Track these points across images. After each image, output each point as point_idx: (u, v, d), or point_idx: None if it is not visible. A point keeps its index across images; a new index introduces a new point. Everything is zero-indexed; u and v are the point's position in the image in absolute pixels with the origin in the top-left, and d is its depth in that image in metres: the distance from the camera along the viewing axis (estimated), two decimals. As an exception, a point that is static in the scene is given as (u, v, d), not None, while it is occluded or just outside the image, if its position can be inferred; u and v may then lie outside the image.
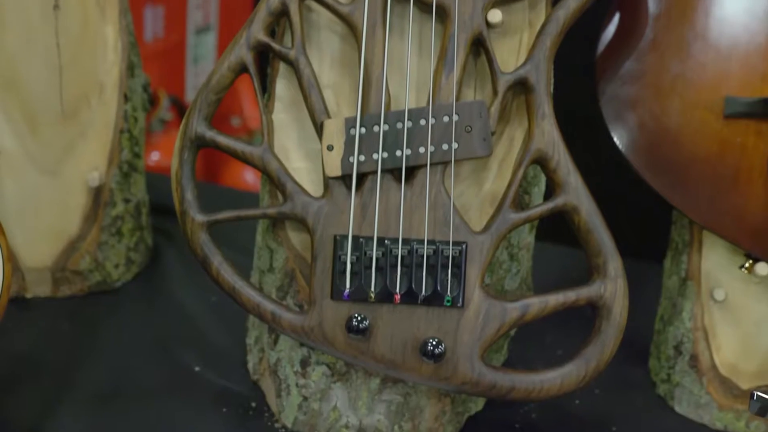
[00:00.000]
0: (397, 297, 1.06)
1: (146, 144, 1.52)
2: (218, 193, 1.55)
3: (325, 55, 1.11)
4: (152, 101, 1.38)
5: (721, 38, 1.12)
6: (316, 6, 1.09)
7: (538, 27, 1.09)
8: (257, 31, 1.07)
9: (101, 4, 1.23)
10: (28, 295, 1.27)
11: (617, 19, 1.16)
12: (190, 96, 1.98)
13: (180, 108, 1.86)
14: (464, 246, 1.05)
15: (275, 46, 1.07)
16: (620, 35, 1.16)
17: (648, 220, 1.44)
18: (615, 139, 1.15)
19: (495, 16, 1.07)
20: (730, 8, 1.12)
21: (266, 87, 1.12)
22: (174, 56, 1.95)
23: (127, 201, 1.29)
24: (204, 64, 2.01)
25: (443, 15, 1.07)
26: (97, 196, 1.26)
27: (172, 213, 1.12)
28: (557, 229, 1.19)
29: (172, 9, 1.92)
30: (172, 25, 1.93)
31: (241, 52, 1.07)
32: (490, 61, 1.07)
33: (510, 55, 1.10)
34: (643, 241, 1.40)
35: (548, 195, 1.09)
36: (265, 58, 1.11)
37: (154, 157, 1.78)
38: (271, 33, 1.09)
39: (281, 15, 1.08)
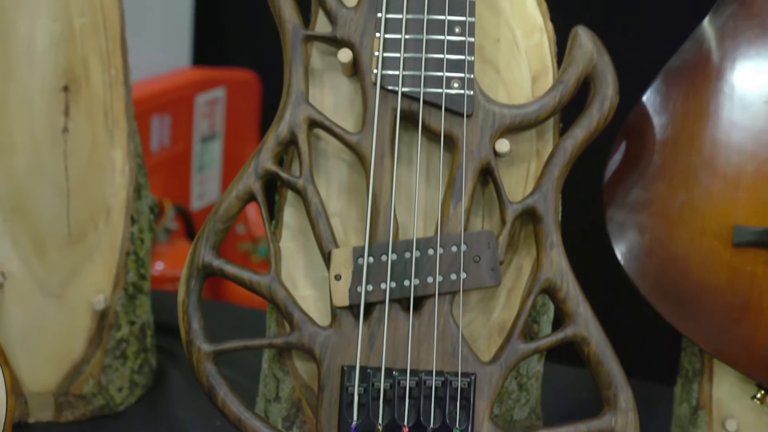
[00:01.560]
0: (406, 430, 1.04)
1: (150, 254, 1.52)
2: (224, 312, 1.54)
3: (333, 183, 1.11)
4: (157, 211, 1.38)
5: (728, 166, 1.12)
6: (324, 134, 1.09)
7: (545, 156, 1.09)
8: (266, 160, 1.08)
9: (110, 127, 1.23)
10: (31, 420, 1.25)
11: (624, 146, 1.17)
12: (195, 204, 1.98)
13: (185, 217, 1.86)
14: (473, 377, 1.04)
15: (284, 175, 1.08)
16: (627, 162, 1.16)
17: (655, 338, 1.43)
18: (623, 265, 1.15)
19: (503, 145, 1.08)
20: (736, 136, 1.12)
21: (274, 214, 1.12)
22: (179, 164, 1.96)
23: (132, 323, 1.28)
24: (209, 172, 2.01)
25: (451, 144, 1.07)
26: (102, 319, 1.25)
27: (176, 332, 1.11)
28: (565, 347, 1.18)
29: (179, 118, 1.93)
30: (178, 133, 1.93)
31: (249, 181, 1.07)
32: (498, 191, 1.07)
33: (518, 184, 1.10)
34: (652, 360, 1.40)
35: (557, 324, 1.09)
36: (273, 185, 1.11)
37: (159, 267, 1.77)
38: (280, 160, 1.10)
39: (290, 144, 1.08)
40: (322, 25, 1.10)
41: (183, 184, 1.98)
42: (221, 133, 2.01)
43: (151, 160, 1.83)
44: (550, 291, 1.06)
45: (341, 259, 1.06)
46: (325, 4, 1.08)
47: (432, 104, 1.07)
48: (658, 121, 1.15)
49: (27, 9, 1.19)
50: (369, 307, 1.06)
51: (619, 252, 1.15)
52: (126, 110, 1.24)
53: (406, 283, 1.05)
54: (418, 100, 1.07)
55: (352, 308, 1.06)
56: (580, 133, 1.08)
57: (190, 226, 1.87)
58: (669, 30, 1.25)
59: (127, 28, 1.24)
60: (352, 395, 1.04)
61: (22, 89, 1.20)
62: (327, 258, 1.07)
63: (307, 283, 1.10)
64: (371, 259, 1.05)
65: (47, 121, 1.21)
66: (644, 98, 1.16)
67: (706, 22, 1.15)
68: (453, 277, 1.05)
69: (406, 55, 1.07)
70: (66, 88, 1.21)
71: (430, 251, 1.06)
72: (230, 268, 1.07)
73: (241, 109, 2.03)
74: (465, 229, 1.06)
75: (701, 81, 1.13)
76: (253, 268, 1.97)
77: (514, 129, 1.08)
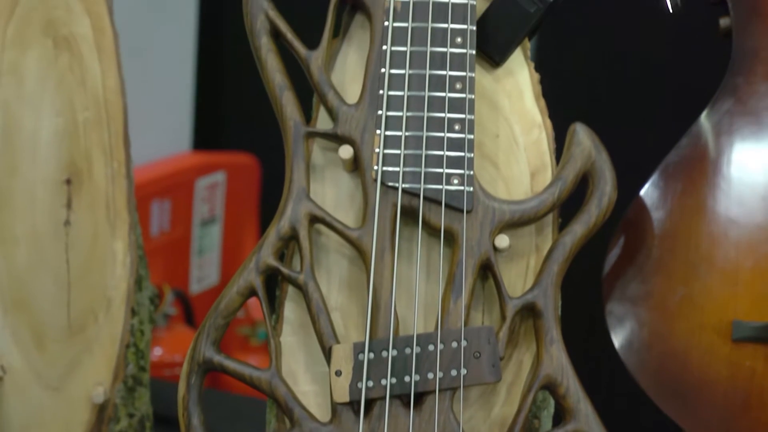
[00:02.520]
0: None
1: (150, 345, 1.52)
2: (224, 403, 1.54)
3: (333, 278, 1.11)
4: (157, 302, 1.38)
5: (727, 261, 1.13)
6: (325, 229, 1.10)
7: (545, 251, 1.10)
8: (267, 255, 1.08)
9: (111, 219, 1.24)
10: None
11: (622, 240, 1.17)
12: (194, 288, 1.99)
13: (184, 302, 1.87)
14: (474, 474, 1.04)
15: (285, 270, 1.08)
16: (626, 256, 1.16)
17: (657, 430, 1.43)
18: (623, 359, 1.15)
19: (502, 241, 1.08)
20: (734, 232, 1.13)
21: (275, 309, 1.12)
22: (179, 248, 1.96)
23: (131, 416, 1.28)
24: (209, 256, 2.02)
25: (451, 239, 1.08)
26: (101, 412, 1.25)
27: (175, 424, 1.11)
28: None
29: (179, 202, 1.94)
30: (178, 218, 1.94)
31: (251, 276, 1.08)
32: (498, 287, 1.08)
33: (518, 279, 1.11)
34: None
35: (558, 418, 1.09)
36: (274, 279, 1.11)
37: (157, 352, 1.77)
38: (281, 254, 1.10)
39: (291, 239, 1.09)
40: (323, 121, 1.11)
41: (182, 268, 1.98)
42: (221, 217, 2.02)
43: (151, 244, 1.84)
44: (550, 387, 1.07)
45: (342, 355, 1.06)
46: (327, 102, 1.09)
47: (432, 200, 1.08)
48: (656, 215, 1.16)
49: (31, 104, 1.21)
50: (369, 403, 1.06)
51: (619, 345, 1.15)
52: (128, 203, 1.24)
53: (407, 379, 1.05)
54: (419, 196, 1.08)
55: (353, 404, 1.06)
56: (580, 229, 1.08)
57: (189, 311, 1.87)
58: (666, 124, 1.26)
59: (128, 114, 1.26)
60: (353, 492, 1.04)
61: (25, 183, 1.21)
62: (327, 353, 1.07)
63: (308, 378, 1.10)
64: (372, 355, 1.06)
65: (49, 214, 1.22)
66: (642, 193, 1.17)
67: (703, 118, 1.16)
68: (453, 373, 1.05)
69: (406, 151, 1.08)
70: (68, 182, 1.22)
71: (431, 347, 1.06)
72: (231, 364, 1.07)
73: (241, 193, 2.04)
74: (465, 325, 1.07)
75: (698, 177, 1.15)
76: (252, 352, 1.99)
77: (513, 225, 1.09)
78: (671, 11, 1.06)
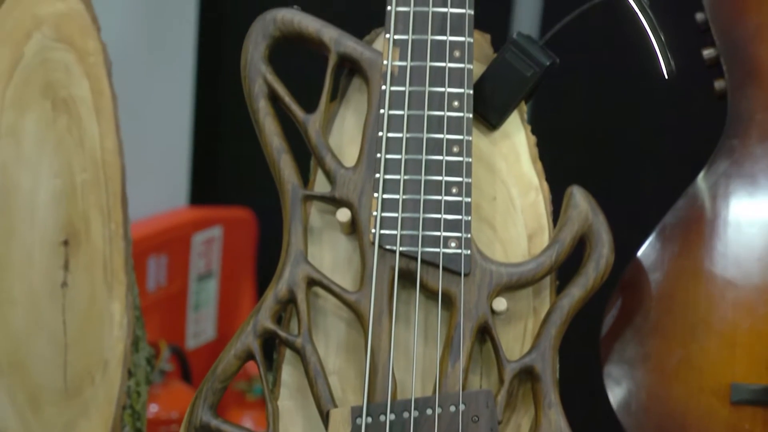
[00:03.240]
0: None
1: (146, 406, 1.51)
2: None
3: (331, 341, 1.11)
4: (154, 363, 1.38)
5: (725, 323, 1.13)
6: (323, 292, 1.10)
7: (542, 314, 1.10)
8: (264, 318, 1.08)
9: (108, 281, 1.24)
10: None
11: (620, 302, 1.17)
12: (190, 343, 1.98)
13: (180, 358, 1.86)
14: None
15: (282, 334, 1.08)
16: (623, 318, 1.17)
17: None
18: (621, 421, 1.15)
19: (500, 304, 1.08)
20: (731, 293, 1.13)
21: (272, 372, 1.12)
22: (175, 303, 1.96)
23: (127, 478, 1.27)
24: (205, 311, 2.02)
25: (449, 303, 1.08)
26: (98, 475, 1.24)
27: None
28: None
29: (175, 257, 1.94)
30: (175, 273, 1.94)
31: (248, 340, 1.08)
32: (496, 350, 1.08)
33: (515, 341, 1.11)
34: None
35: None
36: (272, 342, 1.11)
37: (153, 409, 1.76)
38: (278, 318, 1.10)
39: (288, 302, 1.09)
40: (321, 183, 1.12)
41: (178, 323, 1.98)
42: (217, 272, 2.02)
43: (147, 299, 1.83)
44: (548, 451, 1.06)
45: (339, 419, 1.06)
46: (325, 165, 1.09)
47: (430, 263, 1.08)
48: (653, 277, 1.16)
49: (29, 165, 1.21)
50: (367, 467, 1.05)
51: (617, 407, 1.15)
52: (125, 264, 1.24)
53: (405, 443, 1.05)
54: (416, 259, 1.08)
55: (351, 469, 1.05)
56: (577, 292, 1.09)
57: (185, 367, 1.86)
58: (663, 185, 1.26)
59: (125, 170, 1.26)
60: None
61: (23, 244, 1.21)
62: (325, 418, 1.06)
63: (305, 442, 1.10)
64: (370, 419, 1.05)
65: (46, 276, 1.22)
66: (639, 254, 1.17)
67: (700, 179, 1.16)
68: (452, 437, 1.05)
69: (404, 214, 1.08)
70: (66, 243, 1.22)
71: (429, 411, 1.06)
72: (228, 428, 1.07)
73: (238, 247, 2.04)
74: (463, 388, 1.06)
75: (695, 238, 1.15)
76: (248, 408, 1.98)
77: (511, 287, 1.09)
78: (666, 77, 1.06)
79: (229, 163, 2.07)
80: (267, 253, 2.03)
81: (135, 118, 1.40)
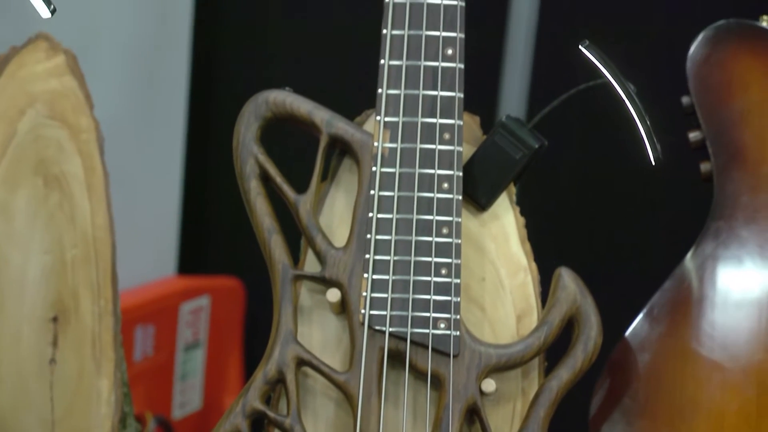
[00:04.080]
0: None
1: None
2: None
3: (320, 421, 1.11)
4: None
5: (712, 404, 1.13)
6: (312, 371, 1.10)
7: (531, 395, 1.10)
8: (253, 399, 1.08)
9: (97, 357, 1.24)
10: None
11: (608, 383, 1.18)
12: (176, 413, 1.98)
13: (166, 427, 1.85)
14: None
15: (271, 414, 1.08)
16: (611, 398, 1.17)
17: None
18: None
19: (489, 385, 1.09)
20: (718, 375, 1.14)
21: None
22: (162, 373, 1.96)
23: None
24: (192, 381, 2.01)
25: (438, 383, 1.08)
26: None
27: None
28: None
29: (163, 327, 1.93)
30: (162, 343, 1.94)
31: (237, 420, 1.08)
32: (485, 431, 1.08)
33: (504, 423, 1.11)
34: None
35: None
36: (261, 422, 1.11)
37: (139, 481, 1.75)
38: (267, 397, 1.10)
39: (277, 382, 1.09)
40: (311, 263, 1.12)
41: (165, 393, 1.97)
42: (204, 341, 2.02)
43: (134, 370, 1.83)
44: None
45: (328, 500, 1.06)
46: (315, 245, 1.10)
47: (419, 344, 1.08)
48: (641, 357, 1.16)
49: (20, 242, 1.21)
50: None
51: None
52: (114, 340, 1.25)
53: None
54: (405, 340, 1.08)
55: None
56: (565, 373, 1.09)
57: (171, 438, 1.86)
58: (651, 265, 1.27)
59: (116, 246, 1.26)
60: None
61: (11, 321, 1.21)
62: (314, 498, 1.06)
63: None
64: (358, 501, 1.05)
65: (35, 353, 1.21)
66: (627, 334, 1.17)
67: (687, 260, 1.17)
68: None
69: (393, 295, 1.09)
70: (55, 319, 1.22)
71: (418, 492, 1.06)
72: None
73: (225, 316, 2.04)
74: (452, 470, 1.07)
75: (682, 319, 1.16)
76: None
77: (500, 368, 1.09)
78: (653, 163, 1.08)
79: (217, 232, 2.08)
80: (254, 323, 2.03)
81: (123, 187, 1.41)
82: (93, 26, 1.66)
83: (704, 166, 1.18)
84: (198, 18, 1.78)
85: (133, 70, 1.75)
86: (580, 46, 1.07)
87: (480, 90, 1.21)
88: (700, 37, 1.18)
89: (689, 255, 1.17)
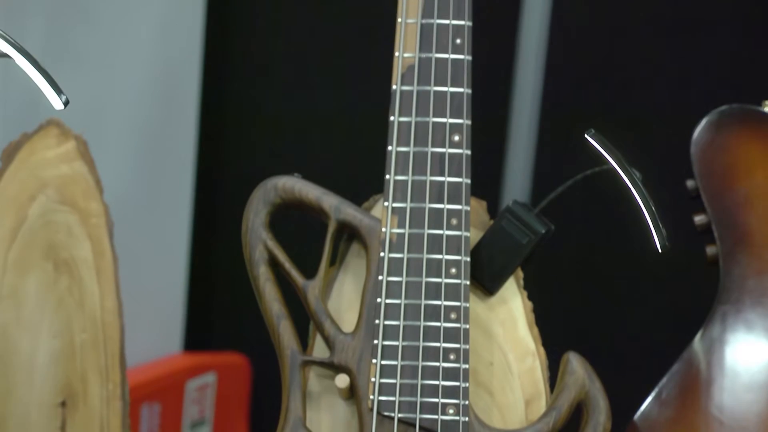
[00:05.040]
0: None
1: None
2: None
3: (328, 507, 1.11)
4: None
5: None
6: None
7: (540, 480, 1.10)
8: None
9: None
10: None
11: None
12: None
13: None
14: None
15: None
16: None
17: None
18: None
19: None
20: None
21: None
22: (167, 451, 1.95)
23: None
24: (197, 459, 2.01)
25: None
26: None
27: None
28: None
29: (169, 405, 1.93)
30: (168, 421, 1.93)
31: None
32: None
33: None
34: None
35: None
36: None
37: None
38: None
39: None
40: (320, 348, 1.12)
41: (171, 471, 1.97)
42: (210, 419, 2.01)
43: (139, 449, 1.82)
44: None
45: None
46: (323, 331, 1.10)
47: (428, 430, 1.08)
48: (651, 441, 1.16)
49: (29, 327, 1.22)
50: None
51: None
52: (122, 424, 1.25)
53: None
54: (415, 426, 1.08)
55: None
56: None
57: None
58: (659, 348, 1.28)
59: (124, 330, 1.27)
60: None
61: (20, 406, 1.21)
62: None
63: None
64: None
65: (44, 437, 1.22)
66: (636, 418, 1.17)
67: (696, 343, 1.18)
68: None
69: (402, 381, 1.09)
70: (63, 404, 1.23)
71: None
72: None
73: (231, 393, 2.04)
74: None
75: (691, 403, 1.16)
76: None
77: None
78: (660, 250, 1.08)
79: (223, 309, 2.08)
80: (260, 399, 2.02)
81: (130, 264, 1.41)
82: (101, 108, 1.68)
83: (710, 250, 1.19)
84: (204, 101, 1.80)
85: (140, 150, 1.76)
86: (586, 135, 1.08)
87: (484, 172, 1.22)
88: (704, 122, 1.19)
89: (697, 338, 1.18)
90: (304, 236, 1.23)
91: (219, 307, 2.08)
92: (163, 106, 1.79)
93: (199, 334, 2.07)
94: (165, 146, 1.79)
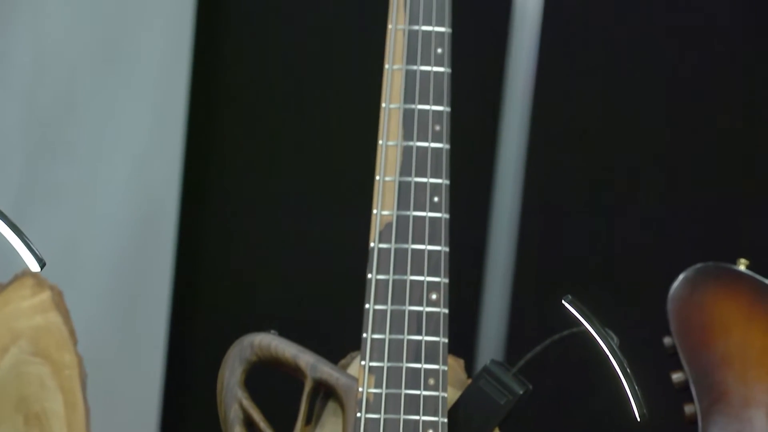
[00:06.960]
0: None
1: None
2: None
3: None
4: None
5: None
6: None
7: None
8: None
9: None
10: None
11: None
12: None
13: None
14: None
15: None
16: None
17: None
18: None
19: None
20: None
21: None
22: None
23: None
24: None
25: None
26: None
27: None
28: None
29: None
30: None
31: None
32: None
33: None
34: None
35: None
36: None
37: None
38: None
39: None
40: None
41: None
42: None
43: None
44: None
45: None
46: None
47: None
48: None
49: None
50: None
51: None
52: None
53: None
54: None
55: None
56: None
57: None
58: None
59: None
60: None
61: None
62: None
63: None
64: None
65: None
66: None
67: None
68: None
69: None
70: None
71: None
72: None
73: None
74: None
75: None
76: None
77: None
78: (638, 419, 1.08)
79: (199, 407, 2.06)
80: None
81: (102, 416, 1.40)
82: (77, 244, 1.68)
83: (688, 408, 1.18)
84: (180, 249, 1.80)
85: (114, 293, 1.76)
86: (563, 301, 1.08)
87: (459, 328, 1.22)
88: (680, 279, 1.20)
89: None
90: (280, 392, 1.22)
91: (197, 405, 2.06)
92: (139, 242, 1.79)
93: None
94: (140, 284, 1.79)
